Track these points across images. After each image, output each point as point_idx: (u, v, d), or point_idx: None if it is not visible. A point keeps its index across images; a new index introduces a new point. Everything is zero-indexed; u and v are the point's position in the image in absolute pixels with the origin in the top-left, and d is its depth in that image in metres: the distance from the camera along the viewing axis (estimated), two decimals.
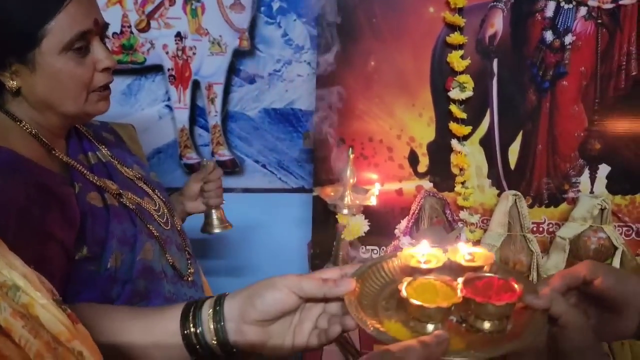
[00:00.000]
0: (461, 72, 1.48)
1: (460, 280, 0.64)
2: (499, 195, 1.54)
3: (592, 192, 1.55)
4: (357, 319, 0.62)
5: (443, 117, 1.52)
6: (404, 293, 0.62)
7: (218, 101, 1.69)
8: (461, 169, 1.54)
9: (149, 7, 1.61)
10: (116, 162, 1.09)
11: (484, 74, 1.50)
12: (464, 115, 1.50)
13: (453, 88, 1.49)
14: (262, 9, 1.62)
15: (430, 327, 0.61)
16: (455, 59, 1.47)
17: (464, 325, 0.63)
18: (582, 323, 0.62)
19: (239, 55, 1.66)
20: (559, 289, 0.66)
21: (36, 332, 0.43)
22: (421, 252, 0.70)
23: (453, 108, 1.50)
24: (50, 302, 0.48)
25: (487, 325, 0.62)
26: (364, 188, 1.52)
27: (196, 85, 1.68)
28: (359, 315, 0.62)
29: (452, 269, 0.69)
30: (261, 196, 1.79)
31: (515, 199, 1.38)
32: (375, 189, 1.47)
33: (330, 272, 0.68)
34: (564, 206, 1.57)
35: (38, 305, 0.46)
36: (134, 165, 1.15)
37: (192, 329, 0.65)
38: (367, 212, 1.52)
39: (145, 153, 1.70)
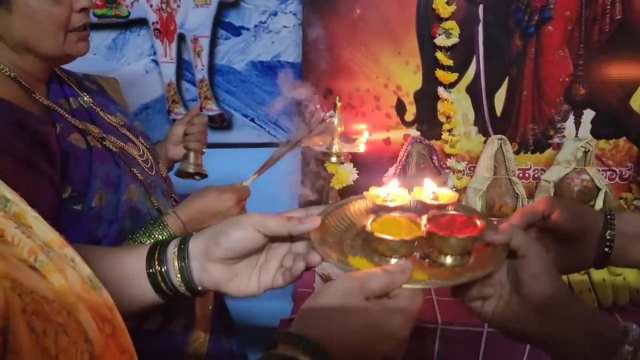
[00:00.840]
0: (447, 19, 1.48)
1: (424, 217, 0.65)
2: (485, 142, 1.56)
3: (576, 137, 1.57)
4: (322, 253, 0.62)
5: (429, 64, 1.53)
6: (369, 227, 0.63)
7: (204, 54, 1.68)
8: (448, 117, 1.56)
9: None
10: (98, 109, 1.08)
11: (469, 20, 1.51)
12: (450, 62, 1.51)
13: (439, 35, 1.49)
14: None
15: (394, 261, 0.62)
16: (441, 5, 1.47)
17: (427, 260, 0.64)
18: (540, 253, 0.63)
19: (224, 7, 1.64)
20: (519, 225, 0.68)
21: (29, 235, 0.44)
22: (387, 191, 0.71)
23: (439, 55, 1.50)
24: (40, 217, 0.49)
25: (449, 260, 0.63)
26: (352, 138, 1.53)
27: (182, 38, 1.67)
28: (324, 250, 0.63)
29: (417, 208, 0.70)
30: (250, 151, 1.80)
31: (501, 143, 1.40)
32: (364, 136, 1.48)
33: (295, 212, 0.68)
34: (549, 152, 1.59)
35: (30, 216, 0.47)
36: (116, 113, 1.15)
37: (157, 268, 0.65)
38: (356, 162, 1.54)
39: (133, 109, 1.70)
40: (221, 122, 1.76)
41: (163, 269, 0.65)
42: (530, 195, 1.54)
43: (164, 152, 1.28)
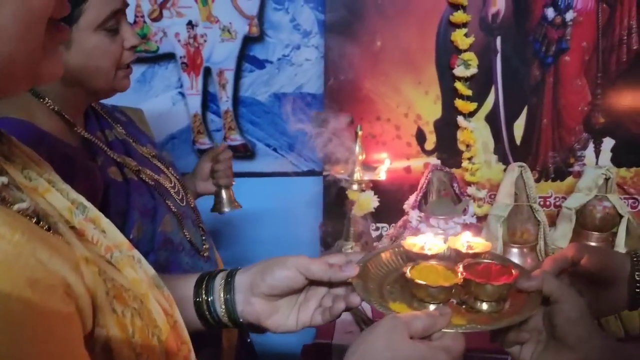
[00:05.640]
0: (465, 50, 1.52)
1: (460, 265, 0.69)
2: (505, 170, 1.57)
3: (597, 164, 1.58)
4: (364, 298, 0.66)
5: (449, 94, 1.56)
6: (408, 275, 0.67)
7: (229, 87, 1.74)
8: (468, 145, 1.58)
9: None
10: (131, 140, 1.13)
11: (487, 51, 1.54)
12: (469, 92, 1.54)
13: (458, 66, 1.53)
14: None
15: (432, 307, 0.66)
16: (459, 37, 1.51)
17: (464, 307, 0.68)
18: (573, 298, 0.66)
19: (248, 41, 1.70)
20: (550, 271, 0.70)
21: (104, 235, 0.51)
22: (423, 240, 0.75)
23: (458, 85, 1.54)
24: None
25: (485, 306, 0.66)
26: (373, 166, 1.56)
27: (208, 71, 1.73)
28: (366, 295, 0.67)
29: (452, 256, 0.74)
30: (273, 180, 1.83)
31: (521, 170, 1.41)
32: (385, 164, 1.51)
33: (336, 257, 0.72)
34: (570, 180, 1.60)
35: (104, 222, 0.53)
36: (147, 144, 1.19)
37: (204, 297, 0.69)
38: (377, 190, 1.55)
39: (160, 139, 1.75)
40: (245, 152, 1.80)
41: (209, 299, 0.69)
42: (552, 223, 1.54)
43: (193, 187, 1.32)
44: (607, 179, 1.42)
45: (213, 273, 0.72)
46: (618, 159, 1.58)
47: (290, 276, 0.68)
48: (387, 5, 1.51)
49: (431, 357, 0.57)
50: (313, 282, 0.71)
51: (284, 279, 0.68)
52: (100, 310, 0.42)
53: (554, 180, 1.60)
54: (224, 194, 1.32)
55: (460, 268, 0.68)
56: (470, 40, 1.51)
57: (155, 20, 1.68)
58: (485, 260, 0.71)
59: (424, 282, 0.65)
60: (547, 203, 1.60)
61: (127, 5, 0.98)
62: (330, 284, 0.72)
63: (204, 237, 1.20)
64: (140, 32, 1.68)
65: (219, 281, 0.70)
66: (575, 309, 0.65)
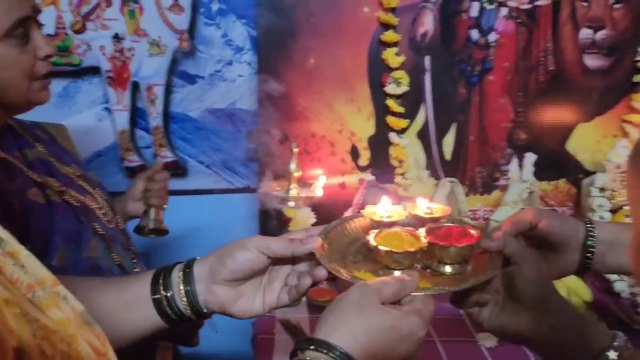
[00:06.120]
0: (396, 68, 1.56)
1: (422, 229, 0.70)
2: (437, 185, 1.62)
3: (520, 179, 1.66)
4: (330, 269, 0.66)
5: (381, 111, 1.60)
6: (372, 242, 0.67)
7: (159, 102, 1.68)
8: (400, 161, 1.61)
9: (85, 8, 1.59)
10: (54, 160, 1.06)
11: (417, 70, 1.59)
12: (400, 109, 1.58)
13: (389, 83, 1.57)
14: (202, 10, 1.64)
15: (398, 273, 0.67)
16: (390, 56, 1.55)
17: (428, 270, 0.69)
18: (534, 259, 0.69)
19: (179, 56, 1.66)
20: (510, 233, 0.72)
21: (25, 271, 0.45)
22: (383, 208, 0.75)
23: (390, 102, 1.57)
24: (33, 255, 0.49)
25: (449, 269, 0.68)
26: (308, 182, 1.56)
27: (136, 86, 1.66)
28: (332, 266, 0.66)
29: (412, 223, 0.75)
30: (206, 198, 1.79)
31: (452, 186, 1.46)
32: (320, 181, 1.51)
33: (296, 233, 0.72)
34: (496, 193, 1.67)
35: (23, 255, 0.48)
36: (72, 164, 1.13)
37: (163, 293, 0.66)
38: (313, 206, 1.56)
39: (85, 156, 1.66)
40: (176, 169, 1.74)
41: (168, 294, 0.66)
42: None
43: (123, 207, 1.26)
44: (530, 192, 1.50)
45: (169, 267, 0.69)
46: (539, 173, 1.67)
47: (252, 257, 0.66)
48: (319, 24, 1.53)
49: (404, 322, 0.58)
50: (276, 262, 0.70)
51: (246, 262, 0.66)
52: (28, 354, 0.38)
53: (482, 194, 1.67)
54: (152, 213, 1.24)
55: (422, 233, 0.69)
56: (401, 59, 1.55)
57: (78, 32, 1.60)
58: (446, 224, 0.72)
59: (389, 249, 0.65)
60: (476, 216, 1.66)
61: (38, 12, 0.92)
62: (293, 261, 0.71)
63: (135, 261, 1.15)
64: (62, 44, 1.60)
65: (177, 274, 0.67)
66: (536, 270, 0.67)
